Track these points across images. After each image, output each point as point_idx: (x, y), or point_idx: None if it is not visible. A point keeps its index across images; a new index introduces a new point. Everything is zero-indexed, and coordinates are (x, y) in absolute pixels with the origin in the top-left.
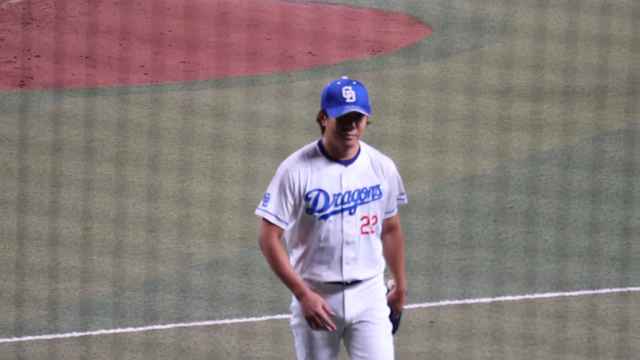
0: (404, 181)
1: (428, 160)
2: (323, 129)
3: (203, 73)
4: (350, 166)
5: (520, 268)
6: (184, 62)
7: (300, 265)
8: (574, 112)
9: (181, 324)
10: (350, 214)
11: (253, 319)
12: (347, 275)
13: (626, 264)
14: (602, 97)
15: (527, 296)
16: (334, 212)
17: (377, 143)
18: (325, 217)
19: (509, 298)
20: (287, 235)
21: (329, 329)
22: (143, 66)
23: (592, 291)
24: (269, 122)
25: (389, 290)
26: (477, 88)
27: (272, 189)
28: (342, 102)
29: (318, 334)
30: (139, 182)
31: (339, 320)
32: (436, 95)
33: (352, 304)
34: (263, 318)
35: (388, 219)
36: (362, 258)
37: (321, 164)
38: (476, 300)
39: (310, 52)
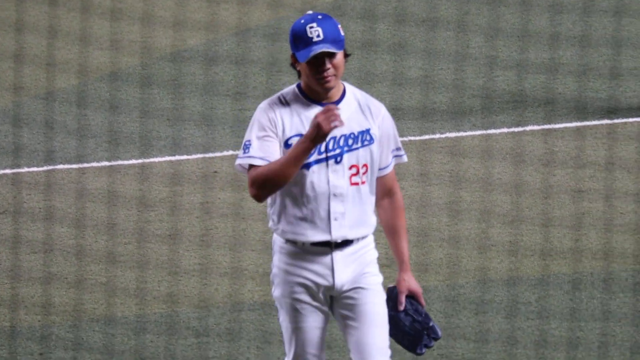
0: None
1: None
2: (299, 72)
3: None
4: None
5: None
6: None
7: (281, 224)
8: None
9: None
10: (337, 162)
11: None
12: (337, 233)
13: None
14: None
15: None
16: (318, 161)
17: None
18: (307, 166)
19: None
20: None
21: (338, 123)
22: None
23: None
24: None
25: (391, 292)
26: None
27: (251, 134)
28: (309, 42)
29: (304, 305)
30: None
31: (328, 287)
32: None
33: (342, 269)
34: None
35: (383, 178)
36: (351, 213)
37: (301, 107)
38: (218, 154)
39: None
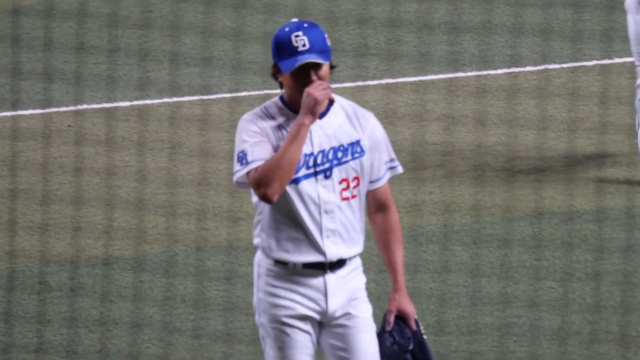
0: None
1: None
2: (280, 84)
3: None
4: (321, 121)
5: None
6: None
7: (270, 245)
8: None
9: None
10: (326, 177)
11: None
12: (330, 253)
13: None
14: None
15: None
16: (307, 176)
17: None
18: (296, 181)
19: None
20: (256, 210)
21: (329, 94)
22: None
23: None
24: None
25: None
26: None
27: (243, 145)
28: (294, 52)
29: (295, 330)
30: None
31: (320, 313)
32: None
33: (335, 292)
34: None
35: (375, 192)
36: (343, 230)
37: (286, 120)
38: (55, 109)
39: None
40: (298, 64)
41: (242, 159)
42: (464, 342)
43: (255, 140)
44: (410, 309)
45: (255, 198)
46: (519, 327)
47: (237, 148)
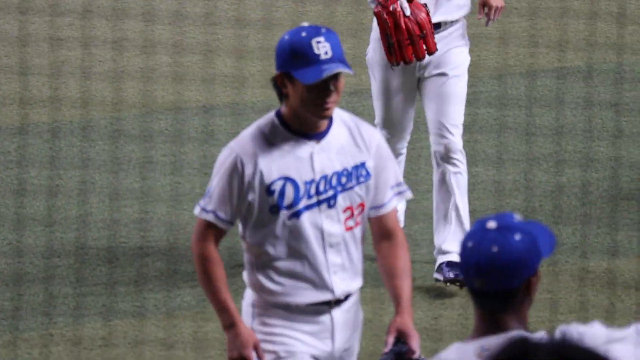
0: None
1: None
2: (282, 95)
3: None
4: (324, 141)
5: None
6: None
7: (267, 287)
8: None
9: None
10: (330, 206)
11: None
12: (339, 290)
13: None
14: None
15: None
16: (308, 207)
17: None
18: (297, 214)
19: None
20: (244, 247)
21: None
22: None
23: None
24: None
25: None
26: None
27: (216, 180)
28: (316, 60)
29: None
30: None
31: (325, 352)
32: None
33: (342, 330)
34: None
35: (381, 219)
36: (349, 263)
37: (286, 143)
38: None
39: None
40: (326, 74)
41: (206, 196)
42: None
43: (226, 187)
44: (410, 329)
45: (241, 230)
46: None
47: (212, 180)
